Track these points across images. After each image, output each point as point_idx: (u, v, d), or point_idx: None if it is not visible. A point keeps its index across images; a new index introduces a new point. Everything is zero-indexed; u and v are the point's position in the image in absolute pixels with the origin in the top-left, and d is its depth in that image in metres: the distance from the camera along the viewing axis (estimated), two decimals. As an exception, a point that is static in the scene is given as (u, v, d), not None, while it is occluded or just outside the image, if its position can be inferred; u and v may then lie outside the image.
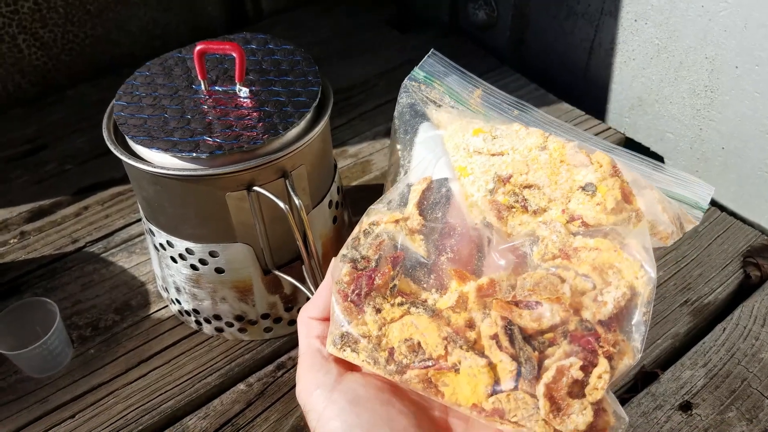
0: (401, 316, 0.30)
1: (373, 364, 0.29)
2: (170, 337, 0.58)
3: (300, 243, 0.49)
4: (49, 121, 0.84)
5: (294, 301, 0.56)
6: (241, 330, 0.57)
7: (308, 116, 0.49)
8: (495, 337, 0.28)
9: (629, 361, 0.28)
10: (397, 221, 0.32)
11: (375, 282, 0.30)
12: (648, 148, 0.80)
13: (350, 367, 0.31)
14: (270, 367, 0.56)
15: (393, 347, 0.29)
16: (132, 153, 0.48)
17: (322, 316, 0.32)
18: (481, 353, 0.28)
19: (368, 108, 0.85)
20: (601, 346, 0.27)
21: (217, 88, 0.51)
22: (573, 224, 0.31)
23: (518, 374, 0.27)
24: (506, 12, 0.90)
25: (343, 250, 0.31)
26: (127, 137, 0.48)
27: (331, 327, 0.30)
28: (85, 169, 0.77)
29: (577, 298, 0.29)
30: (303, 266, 0.52)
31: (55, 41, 0.87)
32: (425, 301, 0.30)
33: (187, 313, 0.58)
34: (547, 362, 0.28)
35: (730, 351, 0.55)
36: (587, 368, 0.27)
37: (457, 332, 0.29)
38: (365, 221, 0.33)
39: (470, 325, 0.29)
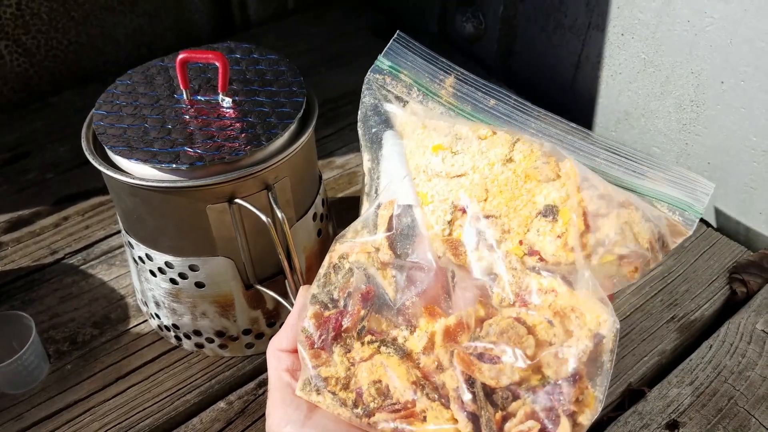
0: (371, 356, 0.29)
1: (340, 407, 0.28)
2: (149, 352, 0.57)
3: (283, 257, 0.48)
4: (30, 129, 0.83)
5: (277, 317, 0.55)
6: (221, 346, 0.56)
7: (292, 127, 0.48)
8: (457, 390, 0.28)
9: (591, 413, 0.27)
10: (368, 253, 0.31)
11: (343, 325, 0.29)
12: (635, 162, 0.80)
13: None
14: (251, 385, 0.55)
15: (361, 388, 0.28)
16: (111, 163, 0.47)
17: (292, 347, 0.31)
18: (448, 400, 0.28)
19: (357, 118, 0.85)
20: (562, 404, 0.27)
21: (199, 97, 0.50)
22: (531, 258, 0.29)
23: None
24: (494, 24, 0.90)
25: (314, 289, 0.31)
26: (105, 147, 0.47)
27: (302, 370, 0.30)
28: (67, 178, 0.75)
29: (541, 350, 0.28)
30: (286, 281, 0.51)
31: (38, 48, 0.86)
32: (395, 339, 0.30)
33: (167, 328, 0.56)
34: (507, 426, 0.27)
35: (716, 368, 0.54)
36: (547, 430, 0.27)
37: (426, 376, 0.28)
38: (337, 251, 0.32)
39: (439, 367, 0.28)
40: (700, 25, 0.65)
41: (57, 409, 0.53)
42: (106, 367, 0.56)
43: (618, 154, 0.33)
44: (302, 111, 0.49)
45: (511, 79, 0.93)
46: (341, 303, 0.30)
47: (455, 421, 0.27)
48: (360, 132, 0.35)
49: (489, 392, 0.27)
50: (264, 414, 0.52)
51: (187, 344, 0.57)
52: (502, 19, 0.88)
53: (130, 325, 0.59)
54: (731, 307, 0.61)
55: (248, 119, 0.48)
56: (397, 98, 0.35)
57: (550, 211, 0.30)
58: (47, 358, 0.56)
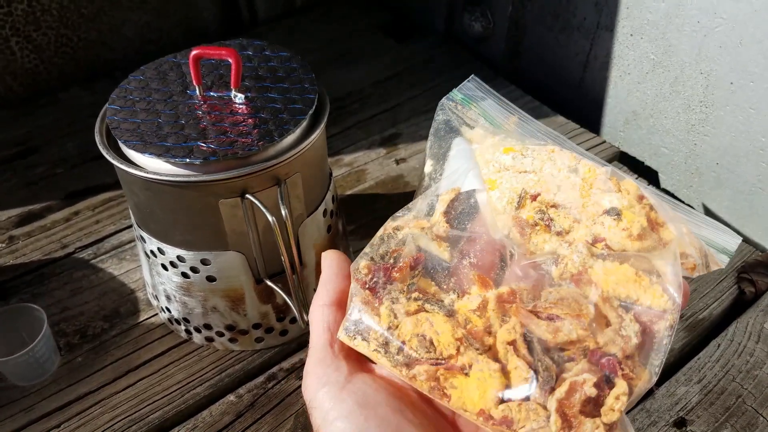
0: (416, 311, 0.29)
1: (384, 353, 0.28)
2: (159, 345, 0.57)
3: (284, 256, 0.48)
4: (39, 124, 0.83)
5: (286, 312, 0.55)
6: (231, 340, 0.56)
7: (304, 123, 0.48)
8: (513, 343, 0.28)
9: (645, 385, 0.27)
10: (422, 228, 0.31)
11: (392, 275, 0.30)
12: (642, 162, 0.80)
13: (361, 367, 0.30)
14: (261, 378, 0.55)
15: (404, 341, 0.28)
16: (124, 158, 0.47)
17: (332, 300, 0.31)
18: (495, 359, 0.28)
19: (364, 117, 0.85)
20: (622, 369, 0.27)
21: (212, 93, 0.50)
22: (597, 246, 0.31)
23: (534, 382, 0.26)
24: (502, 23, 0.90)
25: (365, 249, 0.31)
26: (119, 142, 0.47)
27: (346, 315, 0.29)
28: (76, 173, 0.76)
29: (600, 320, 0.28)
30: (288, 280, 0.50)
31: (48, 44, 0.86)
32: (442, 300, 0.30)
33: (177, 321, 0.57)
34: (563, 375, 0.27)
35: (724, 367, 0.55)
36: (601, 387, 0.26)
37: (473, 335, 0.28)
38: (389, 225, 0.32)
39: (488, 330, 0.28)
40: (710, 25, 0.65)
41: (67, 401, 0.53)
42: (116, 360, 0.56)
43: (657, 196, 0.35)
44: (314, 107, 0.49)
45: (519, 79, 0.93)
46: (391, 260, 0.31)
47: (503, 374, 0.27)
48: (429, 143, 0.38)
49: (545, 350, 0.28)
50: (273, 407, 0.53)
51: (198, 338, 0.57)
52: (510, 19, 0.89)
53: (141, 319, 0.60)
54: (739, 306, 0.61)
55: (261, 115, 0.48)
56: (467, 122, 0.39)
57: (615, 212, 0.32)
58: (58, 351, 0.57)
